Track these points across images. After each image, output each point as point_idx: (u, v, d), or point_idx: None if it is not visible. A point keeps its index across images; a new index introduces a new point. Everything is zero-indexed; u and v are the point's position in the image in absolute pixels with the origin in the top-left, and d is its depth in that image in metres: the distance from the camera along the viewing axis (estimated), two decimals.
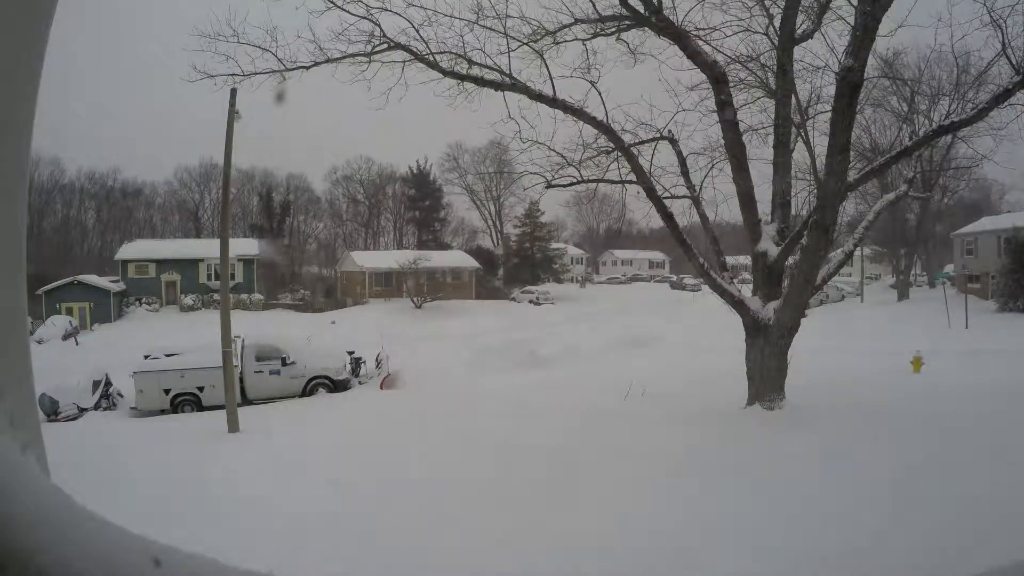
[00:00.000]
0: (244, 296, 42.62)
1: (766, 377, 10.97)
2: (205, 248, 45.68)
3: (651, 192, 11.83)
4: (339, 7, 10.89)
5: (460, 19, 11.37)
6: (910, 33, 10.93)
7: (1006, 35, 9.37)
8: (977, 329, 28.09)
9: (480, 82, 11.67)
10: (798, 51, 12.25)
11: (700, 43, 11.32)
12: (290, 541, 6.42)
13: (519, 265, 57.32)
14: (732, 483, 7.57)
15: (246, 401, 17.86)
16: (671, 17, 10.94)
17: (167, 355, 19.41)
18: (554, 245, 61.09)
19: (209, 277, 44.47)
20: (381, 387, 18.89)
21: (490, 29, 11.43)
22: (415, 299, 45.48)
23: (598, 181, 13.01)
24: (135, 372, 18.22)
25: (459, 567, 5.77)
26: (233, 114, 13.67)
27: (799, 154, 13.12)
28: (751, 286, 12.27)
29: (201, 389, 17.99)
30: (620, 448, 9.36)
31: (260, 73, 11.15)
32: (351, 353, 21.05)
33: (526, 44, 11.70)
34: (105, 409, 18.53)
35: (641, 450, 9.12)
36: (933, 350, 17.60)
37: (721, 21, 12.42)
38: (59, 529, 0.64)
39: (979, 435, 9.01)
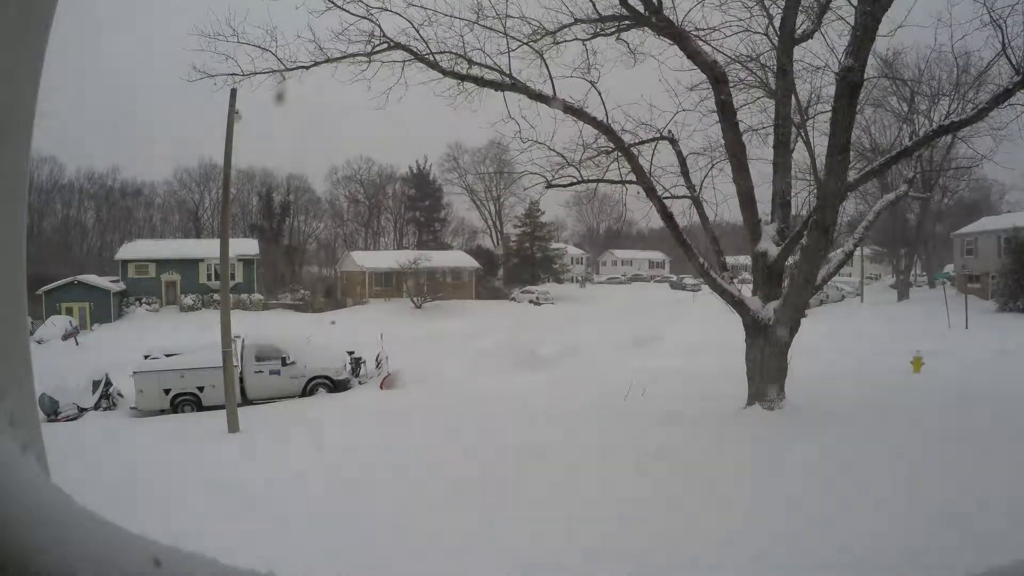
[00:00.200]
0: (244, 296, 42.62)
1: (766, 377, 10.97)
2: (205, 248, 45.69)
3: (651, 192, 11.82)
4: (339, 7, 10.89)
5: (460, 19, 11.38)
6: (910, 33, 10.94)
7: (1006, 35, 9.38)
8: (977, 329, 28.08)
9: (480, 82, 11.66)
10: (798, 51, 12.26)
11: (700, 43, 11.32)
12: (290, 541, 6.42)
13: (519, 265, 57.34)
14: (732, 483, 7.57)
15: (246, 401, 17.86)
16: (671, 17, 10.94)
17: (167, 355, 19.41)
18: (554, 245, 61.11)
19: (209, 277, 44.47)
20: (381, 387, 18.89)
21: (490, 29, 11.45)
22: (415, 299, 45.48)
23: (598, 181, 13.01)
24: (135, 372, 18.21)
25: (459, 567, 5.77)
26: (233, 114, 13.67)
27: (799, 154, 13.14)
28: (751, 286, 12.27)
29: (201, 389, 17.98)
30: (620, 448, 9.36)
31: (260, 73, 11.15)
32: (351, 353, 21.05)
33: (526, 44, 11.70)
34: (105, 409, 18.52)
35: (641, 450, 9.12)
36: (933, 350, 17.59)
37: (721, 21, 12.43)
38: (59, 529, 0.64)
39: (979, 435, 9.01)
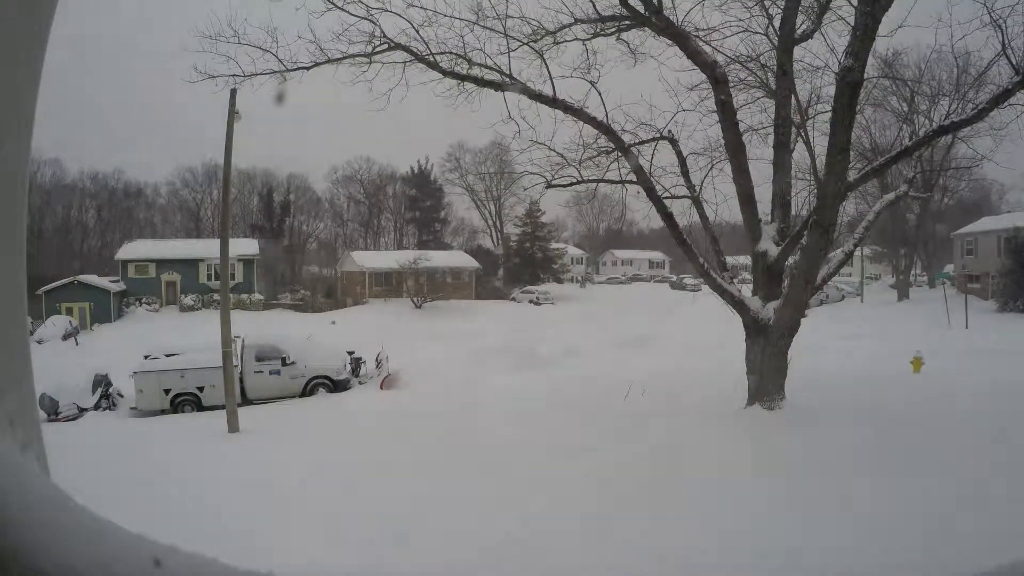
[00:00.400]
0: (244, 296, 42.61)
1: (766, 377, 10.97)
2: (205, 248, 45.67)
3: (651, 192, 11.82)
4: (339, 8, 10.89)
5: (460, 19, 11.38)
6: (910, 33, 10.94)
7: (1006, 35, 9.36)
8: (977, 329, 28.08)
9: (480, 82, 11.67)
10: (798, 51, 12.26)
11: (700, 43, 11.32)
12: (290, 541, 6.41)
13: (519, 265, 57.30)
14: (732, 483, 7.56)
15: (246, 401, 17.87)
16: (671, 17, 10.94)
17: (167, 355, 19.43)
18: (554, 245, 61.06)
19: (209, 277, 44.47)
20: (381, 387, 18.91)
21: (490, 29, 11.45)
22: (415, 299, 45.48)
23: (598, 181, 13.01)
24: (135, 372, 18.23)
25: (457, 568, 5.77)
26: (233, 114, 13.68)
27: (799, 154, 13.13)
28: (751, 286, 12.26)
29: (201, 389, 18.00)
30: (620, 447, 9.36)
31: (261, 74, 11.16)
32: (351, 353, 21.07)
33: (526, 44, 11.70)
34: (105, 409, 18.54)
35: (641, 449, 9.12)
36: (933, 350, 17.59)
37: (721, 21, 12.44)
38: (59, 529, 0.64)
39: (979, 435, 9.01)
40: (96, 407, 18.39)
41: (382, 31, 11.15)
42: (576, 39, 12.05)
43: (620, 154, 12.06)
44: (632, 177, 12.12)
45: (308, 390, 19.13)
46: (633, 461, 8.58)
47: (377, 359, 20.95)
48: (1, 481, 0.65)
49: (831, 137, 9.60)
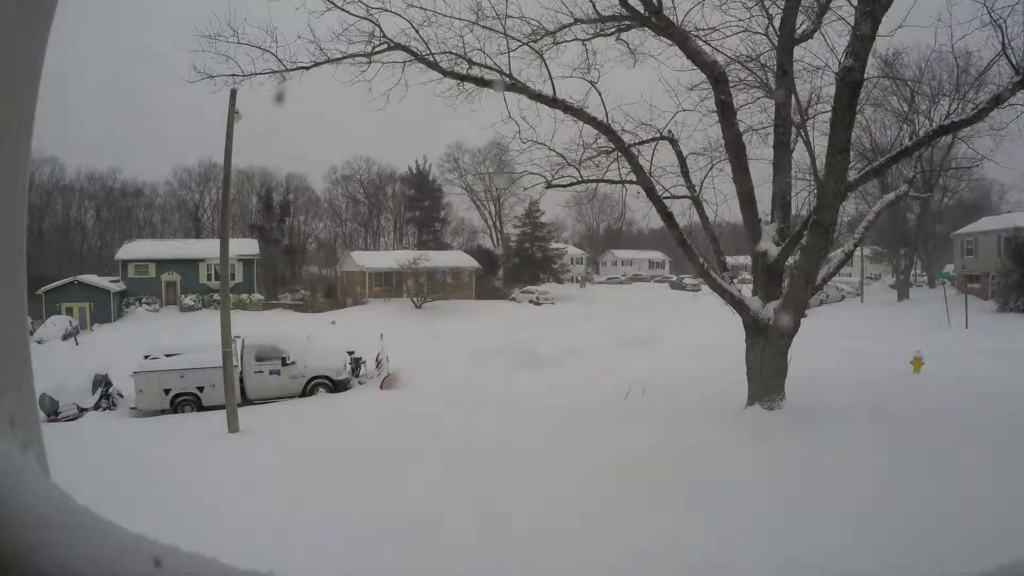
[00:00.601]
0: (244, 296, 42.62)
1: (766, 377, 10.96)
2: (205, 248, 45.71)
3: (651, 192, 11.81)
4: (339, 7, 10.88)
5: (460, 19, 11.37)
6: (910, 33, 10.93)
7: (1006, 35, 9.35)
8: (977, 329, 28.09)
9: (480, 82, 11.66)
10: (798, 51, 12.25)
11: (700, 43, 11.31)
12: (290, 541, 6.42)
13: (519, 265, 57.33)
14: (732, 483, 7.57)
15: (246, 401, 17.88)
16: (671, 17, 10.94)
17: (167, 355, 19.43)
18: (554, 245, 61.11)
19: (209, 277, 44.49)
20: (381, 387, 18.91)
21: (490, 29, 11.43)
22: (415, 299, 45.49)
23: (598, 181, 13.01)
24: (135, 372, 18.23)
25: (457, 568, 5.77)
26: (233, 114, 13.68)
27: (799, 154, 13.13)
28: (751, 286, 12.26)
29: (201, 389, 18.00)
30: (620, 447, 9.36)
31: (260, 73, 11.14)
32: (351, 353, 21.07)
33: (526, 44, 11.69)
34: (105, 409, 18.55)
35: (641, 450, 9.12)
36: (933, 350, 17.59)
37: (721, 21, 12.42)
38: (59, 529, 0.64)
39: (979, 435, 9.01)
40: (96, 407, 18.39)
41: (382, 31, 11.15)
42: (576, 39, 12.05)
43: (620, 154, 12.05)
44: (632, 177, 12.11)
45: (308, 390, 19.13)
46: (633, 461, 8.58)
47: (377, 359, 20.95)
48: (1, 481, 0.65)
49: (831, 137, 9.60)
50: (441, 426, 12.06)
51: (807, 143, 13.00)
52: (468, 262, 54.06)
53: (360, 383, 20.43)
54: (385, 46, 11.22)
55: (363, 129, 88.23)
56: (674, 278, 67.42)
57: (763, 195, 12.21)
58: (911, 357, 16.26)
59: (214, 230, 60.12)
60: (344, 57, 11.29)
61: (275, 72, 11.17)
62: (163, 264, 45.20)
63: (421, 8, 11.15)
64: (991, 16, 9.39)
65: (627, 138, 11.98)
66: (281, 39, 11.09)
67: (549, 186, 12.96)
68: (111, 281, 43.53)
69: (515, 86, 11.48)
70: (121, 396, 19.09)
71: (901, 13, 10.31)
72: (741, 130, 11.87)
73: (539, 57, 11.75)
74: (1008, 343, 21.89)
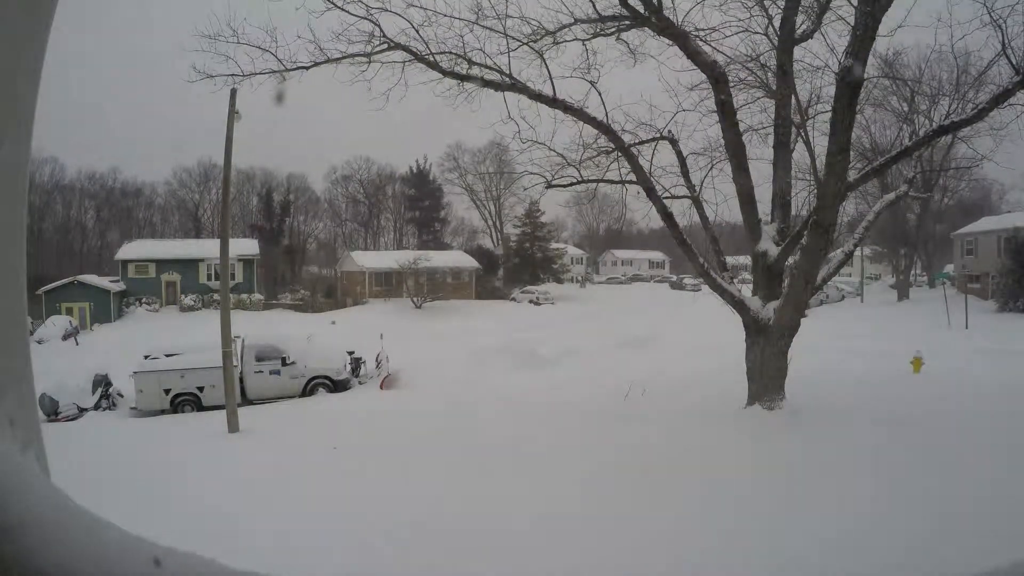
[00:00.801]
0: (244, 296, 42.63)
1: (766, 377, 10.97)
2: (205, 248, 45.72)
3: (651, 192, 11.82)
4: (339, 7, 10.88)
5: (460, 19, 11.37)
6: (910, 33, 10.93)
7: (1006, 35, 9.35)
8: (977, 329, 28.08)
9: (480, 82, 11.66)
10: (798, 51, 12.25)
11: (700, 43, 11.31)
12: (290, 541, 6.42)
13: (519, 265, 57.33)
14: (732, 483, 7.57)
15: (246, 401, 17.88)
16: (671, 17, 10.94)
17: (167, 355, 19.43)
18: (554, 245, 61.10)
19: (209, 277, 44.49)
20: (381, 387, 18.92)
21: (490, 29, 11.44)
22: (415, 299, 45.49)
23: (598, 181, 13.01)
24: (135, 372, 18.23)
25: (457, 568, 5.77)
26: (233, 114, 13.68)
27: (799, 154, 13.13)
28: (751, 286, 12.27)
29: (201, 389, 18.00)
30: (620, 448, 9.36)
31: (260, 73, 11.14)
32: (351, 353, 21.07)
33: (526, 44, 11.69)
34: (105, 409, 18.55)
35: (641, 450, 9.12)
36: (933, 350, 17.59)
37: (721, 21, 12.43)
38: (59, 529, 0.64)
39: (979, 435, 9.01)
40: (96, 407, 18.39)
41: (382, 31, 11.15)
42: (576, 39, 12.05)
43: (620, 154, 12.05)
44: (632, 177, 12.12)
45: (308, 390, 19.13)
46: (633, 461, 8.58)
47: (377, 359, 20.96)
48: (1, 481, 0.65)
49: (831, 137, 9.60)
50: (441, 426, 12.06)
51: (807, 143, 13.00)
52: (468, 262, 54.06)
53: (360, 383, 20.43)
54: (385, 46, 11.22)
55: (363, 129, 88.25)
56: (674, 278, 67.42)
57: (763, 195, 12.23)
58: (911, 357, 16.26)
59: (214, 230, 60.16)
60: (344, 57, 11.29)
61: (275, 72, 11.17)
62: (163, 264, 45.19)
63: (421, 8, 11.16)
64: (991, 16, 9.40)
65: (627, 138, 11.99)
66: (281, 39, 11.11)
67: (549, 186, 12.97)
68: (111, 281, 43.53)
69: (515, 86, 11.48)
70: (121, 396, 19.09)
71: (901, 13, 10.33)
72: (741, 130, 11.88)
73: (539, 57, 11.76)
74: (1008, 343, 21.89)
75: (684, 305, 44.00)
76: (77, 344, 32.58)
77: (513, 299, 51.95)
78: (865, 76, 9.80)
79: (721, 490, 7.34)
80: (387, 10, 11.02)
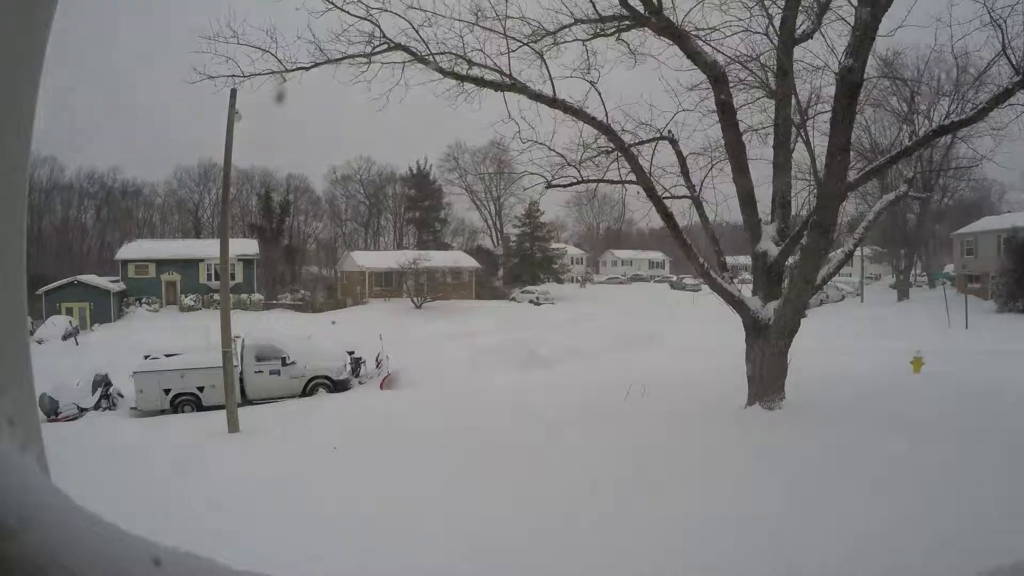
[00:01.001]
0: (244, 296, 42.63)
1: (766, 377, 10.97)
2: (205, 248, 45.72)
3: (651, 192, 11.82)
4: (339, 8, 10.88)
5: (460, 20, 11.37)
6: (910, 33, 10.91)
7: (1006, 35, 9.34)
8: (977, 329, 28.10)
9: (480, 82, 11.66)
10: (798, 51, 12.24)
11: (700, 43, 11.31)
12: (290, 542, 6.42)
13: (519, 265, 57.38)
14: (731, 483, 7.57)
15: (246, 401, 17.89)
16: (671, 17, 10.94)
17: (167, 355, 19.45)
18: (554, 245, 61.16)
19: (209, 277, 44.49)
20: (381, 387, 18.94)
21: (490, 30, 11.44)
22: (415, 299, 45.50)
23: (598, 181, 13.00)
24: (135, 372, 18.25)
25: (457, 569, 5.77)
26: (233, 114, 13.68)
27: (799, 154, 13.12)
28: (751, 286, 12.26)
29: (201, 389, 18.01)
30: (620, 448, 9.36)
31: (260, 74, 11.15)
32: (351, 353, 21.08)
33: (526, 44, 11.69)
34: (105, 409, 18.55)
35: (640, 450, 9.12)
36: (933, 350, 17.59)
37: (721, 21, 12.40)
38: (59, 529, 0.64)
39: (979, 435, 9.01)
40: (96, 407, 18.40)
41: (382, 31, 11.15)
42: (576, 39, 12.05)
43: (620, 154, 12.05)
44: (632, 177, 12.12)
45: (308, 390, 19.14)
46: (632, 461, 8.58)
47: (377, 359, 20.97)
48: (1, 481, 0.65)
49: (831, 137, 9.60)
50: (441, 426, 12.06)
51: (807, 143, 13.00)
52: (468, 262, 54.07)
53: (360, 383, 20.44)
54: (385, 46, 11.22)
55: (363, 129, 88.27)
56: (674, 278, 67.42)
57: (763, 195, 12.22)
58: (911, 357, 16.27)
59: (214, 230, 60.16)
60: (344, 57, 11.30)
61: (275, 72, 11.17)
62: (163, 264, 45.21)
63: (421, 9, 11.16)
64: (991, 16, 9.39)
65: (627, 138, 11.99)
66: (281, 39, 11.09)
67: (549, 186, 12.96)
68: (111, 281, 43.54)
69: (515, 86, 11.48)
70: (121, 396, 19.10)
71: (901, 13, 10.31)
72: (741, 130, 11.87)
73: (539, 57, 11.76)
74: (1008, 343, 21.91)
75: (684, 305, 44.01)
76: (77, 344, 32.59)
77: (513, 299, 51.97)
78: (865, 76, 9.80)
79: (721, 490, 7.34)
80: (387, 11, 11.02)
